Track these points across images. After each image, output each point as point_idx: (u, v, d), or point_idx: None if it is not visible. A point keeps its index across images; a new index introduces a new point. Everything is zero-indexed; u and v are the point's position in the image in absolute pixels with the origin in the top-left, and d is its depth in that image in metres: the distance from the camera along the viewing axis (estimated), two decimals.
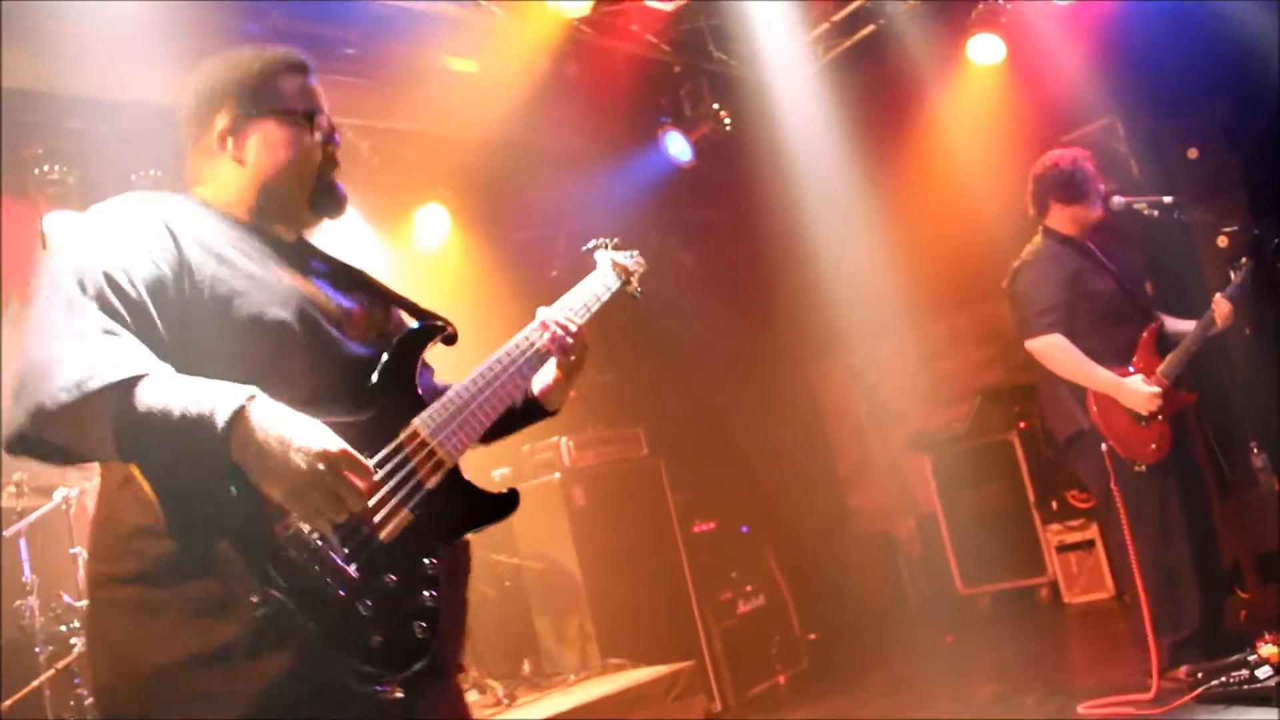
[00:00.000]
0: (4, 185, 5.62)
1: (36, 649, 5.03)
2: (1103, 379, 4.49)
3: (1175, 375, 4.58)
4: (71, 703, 4.83)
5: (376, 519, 1.71)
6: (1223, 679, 4.08)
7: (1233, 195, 6.36)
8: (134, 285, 1.66)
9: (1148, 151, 6.81)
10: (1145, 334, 4.69)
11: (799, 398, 9.32)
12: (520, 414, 2.26)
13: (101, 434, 1.56)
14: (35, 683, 4.95)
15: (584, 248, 2.57)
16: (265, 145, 1.97)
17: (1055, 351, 4.54)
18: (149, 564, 1.64)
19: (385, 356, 1.88)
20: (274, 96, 1.99)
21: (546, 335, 2.14)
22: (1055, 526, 7.21)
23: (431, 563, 1.75)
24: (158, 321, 1.67)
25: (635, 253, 2.62)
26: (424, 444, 1.83)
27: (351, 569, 1.64)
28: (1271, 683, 3.83)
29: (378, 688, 1.62)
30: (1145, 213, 4.74)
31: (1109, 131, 6.91)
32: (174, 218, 1.81)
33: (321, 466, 1.55)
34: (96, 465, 1.79)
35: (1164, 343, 4.71)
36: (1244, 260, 4.74)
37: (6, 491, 5.08)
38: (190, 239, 1.77)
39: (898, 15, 6.80)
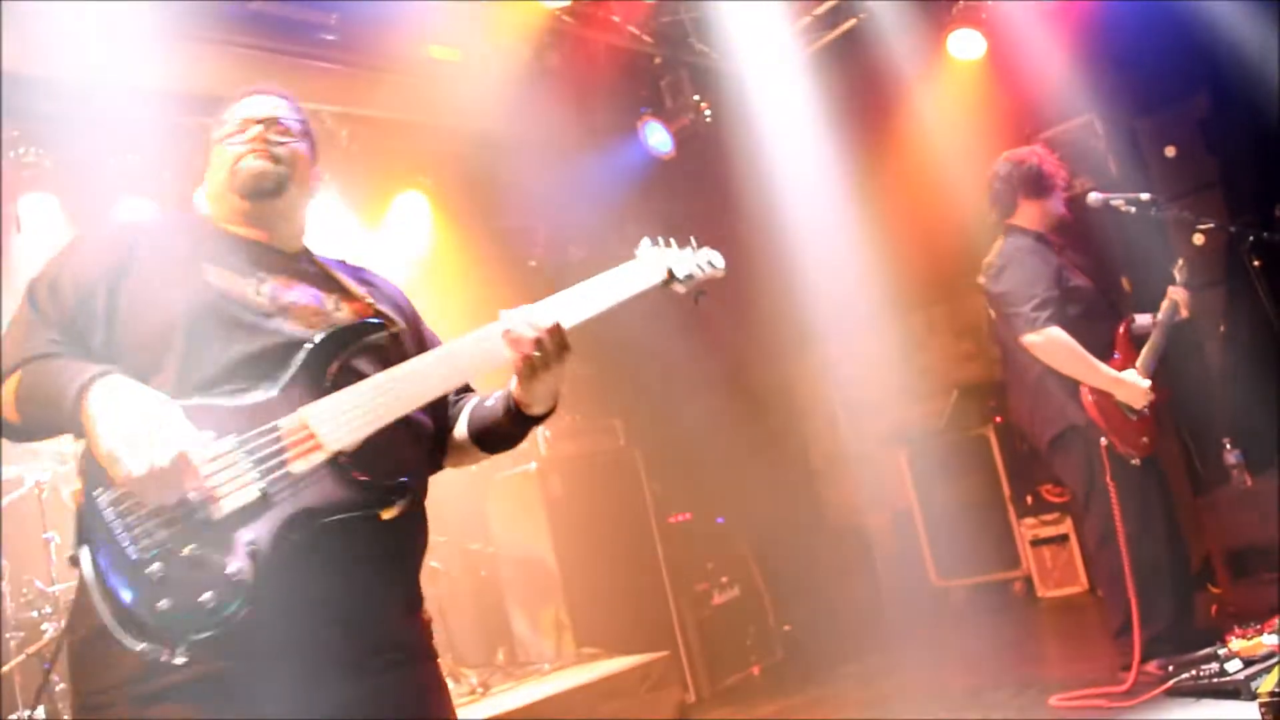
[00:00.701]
0: None
1: (7, 635, 5.00)
2: (1103, 373, 4.50)
3: (1154, 368, 4.64)
4: (41, 688, 4.80)
5: (219, 492, 1.81)
6: (1193, 672, 4.11)
7: (1210, 193, 6.42)
8: (73, 289, 2.00)
9: (1126, 149, 6.85)
10: (1121, 329, 4.74)
11: (775, 391, 9.31)
12: (504, 420, 2.23)
13: (7, 415, 1.96)
14: (6, 667, 4.93)
15: (641, 245, 2.43)
16: (213, 162, 2.23)
17: (1056, 346, 4.51)
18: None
19: (305, 348, 1.98)
20: (217, 128, 2.24)
21: (498, 341, 2.09)
22: (1030, 521, 7.27)
23: (255, 541, 1.80)
24: (84, 318, 1.98)
25: (710, 257, 2.53)
26: (304, 428, 1.89)
27: (152, 534, 1.78)
28: (1240, 676, 3.86)
29: (152, 651, 1.73)
30: (1122, 209, 4.75)
31: (1087, 129, 6.96)
32: (145, 236, 2.11)
33: (129, 437, 1.76)
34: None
35: (1136, 337, 4.77)
36: (1181, 262, 4.85)
37: None
38: (149, 252, 2.06)
39: (879, 10, 6.82)
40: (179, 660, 1.73)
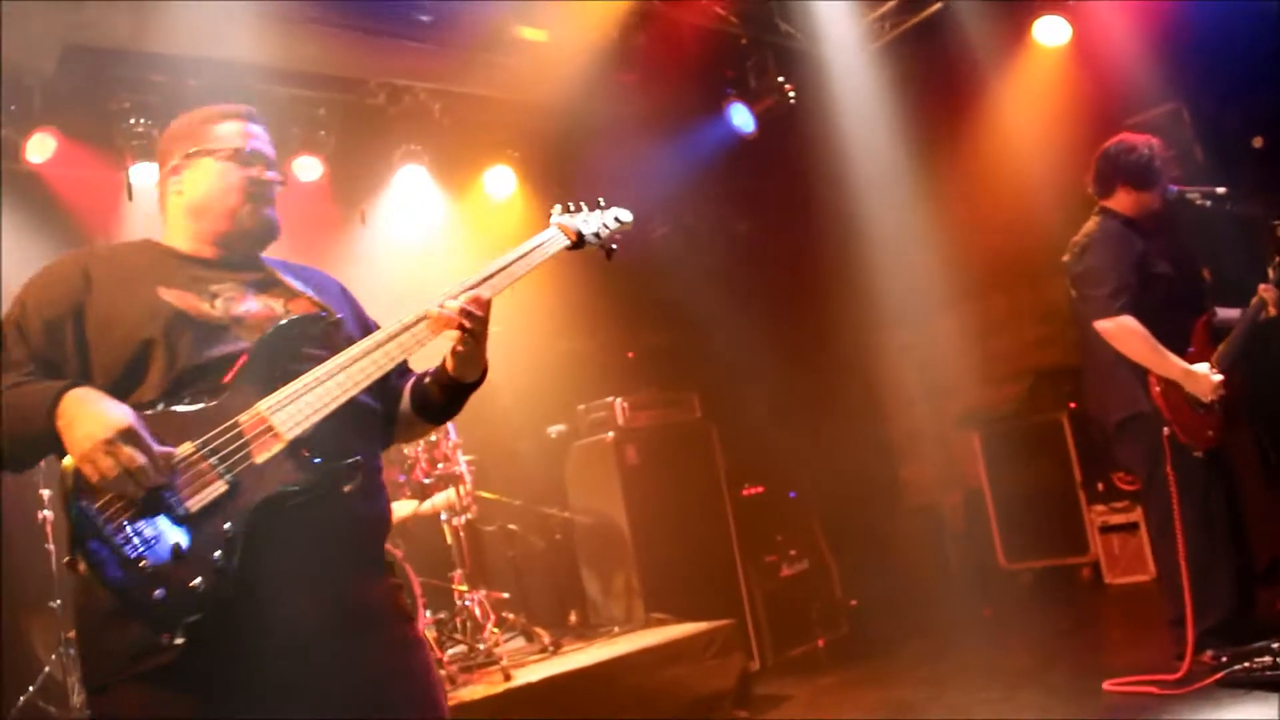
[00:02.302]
0: (93, 138, 5.88)
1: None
2: (1173, 364, 4.51)
3: (1229, 363, 4.64)
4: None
5: (187, 490, 2.01)
6: (1246, 664, 4.17)
7: None
8: (37, 327, 2.16)
9: (1212, 138, 6.77)
10: (1200, 322, 4.73)
11: (853, 369, 9.38)
12: (444, 390, 2.43)
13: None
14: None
15: (552, 213, 2.62)
16: (199, 178, 2.37)
17: (1127, 334, 4.52)
18: None
19: (252, 348, 2.17)
20: (208, 140, 2.38)
21: (423, 324, 2.27)
22: (1100, 508, 7.26)
23: (232, 528, 1.99)
24: (54, 351, 2.16)
25: (617, 213, 2.68)
26: (263, 420, 2.09)
27: (140, 532, 1.97)
28: None
29: (154, 635, 1.93)
30: (1198, 203, 4.77)
31: (1174, 117, 6.87)
32: (100, 263, 2.27)
33: (101, 438, 1.94)
34: None
35: (1216, 331, 4.77)
36: (1278, 259, 4.80)
37: None
38: (104, 280, 2.22)
39: None
40: (178, 640, 1.92)
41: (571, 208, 2.62)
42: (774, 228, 8.69)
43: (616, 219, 2.67)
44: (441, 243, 7.44)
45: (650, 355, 7.88)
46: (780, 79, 7.29)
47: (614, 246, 2.64)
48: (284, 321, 2.24)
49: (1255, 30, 6.00)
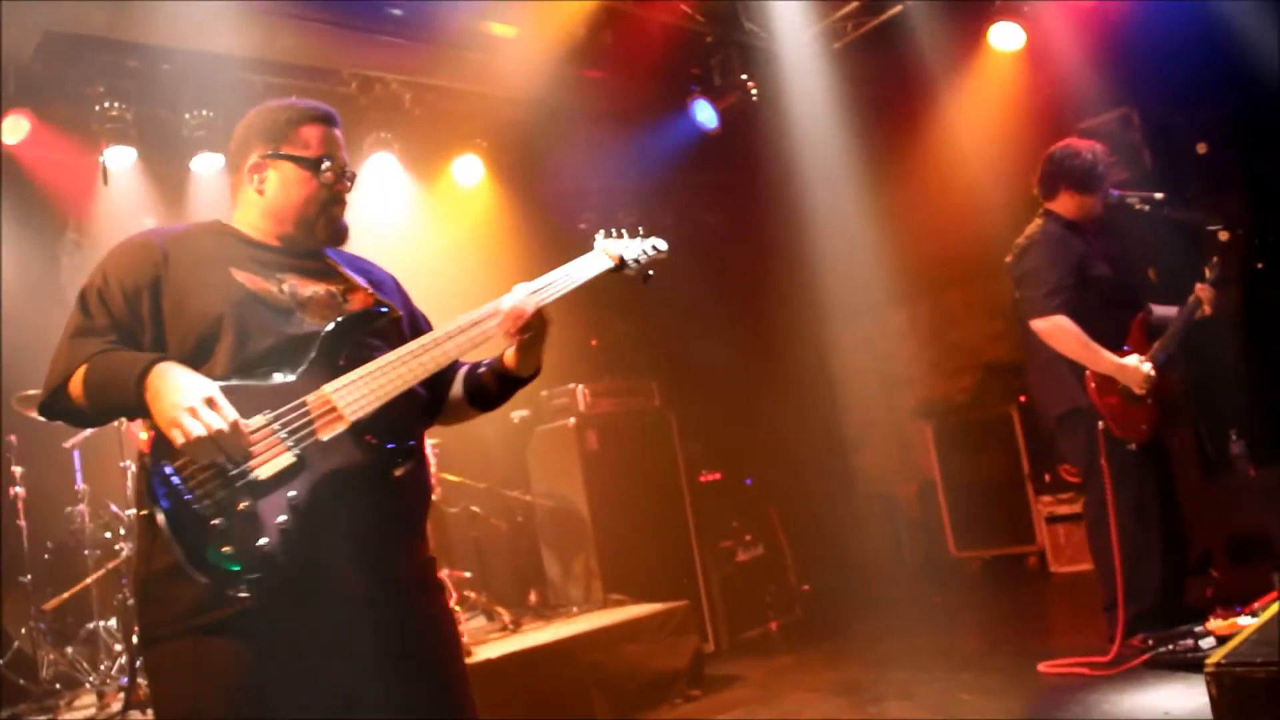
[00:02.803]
0: (68, 123, 5.95)
1: (86, 552, 5.45)
2: (1106, 360, 4.70)
3: (1164, 359, 4.83)
4: (115, 601, 5.24)
5: (260, 459, 2.15)
6: (1170, 647, 4.40)
7: (1238, 191, 6.51)
8: (117, 296, 2.31)
9: (1161, 143, 6.91)
10: (1136, 320, 4.93)
11: (811, 360, 9.54)
12: (499, 381, 2.65)
13: (78, 403, 2.26)
14: (85, 581, 5.38)
15: (594, 237, 2.83)
16: (280, 182, 2.50)
17: (1060, 332, 4.71)
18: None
19: (320, 337, 2.33)
20: (292, 143, 2.51)
21: (495, 320, 2.47)
22: (1046, 498, 7.47)
23: (296, 496, 2.14)
24: (131, 323, 2.31)
25: (653, 241, 2.90)
26: (327, 403, 2.24)
27: (216, 494, 2.11)
28: (1214, 652, 4.11)
29: (220, 587, 2.06)
30: (1137, 207, 4.95)
31: (1125, 121, 6.99)
32: (175, 242, 2.40)
33: (187, 404, 2.09)
34: None
35: (1152, 329, 4.97)
36: (1215, 260, 5.00)
37: None
38: (180, 258, 2.37)
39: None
40: (243, 595, 2.06)
41: (614, 233, 2.84)
42: (736, 221, 8.82)
43: (654, 247, 2.88)
44: (410, 228, 7.53)
45: (613, 343, 8.01)
46: (744, 77, 7.43)
47: (651, 273, 2.85)
48: (351, 314, 2.41)
49: (1205, 37, 6.15)
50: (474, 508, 6.67)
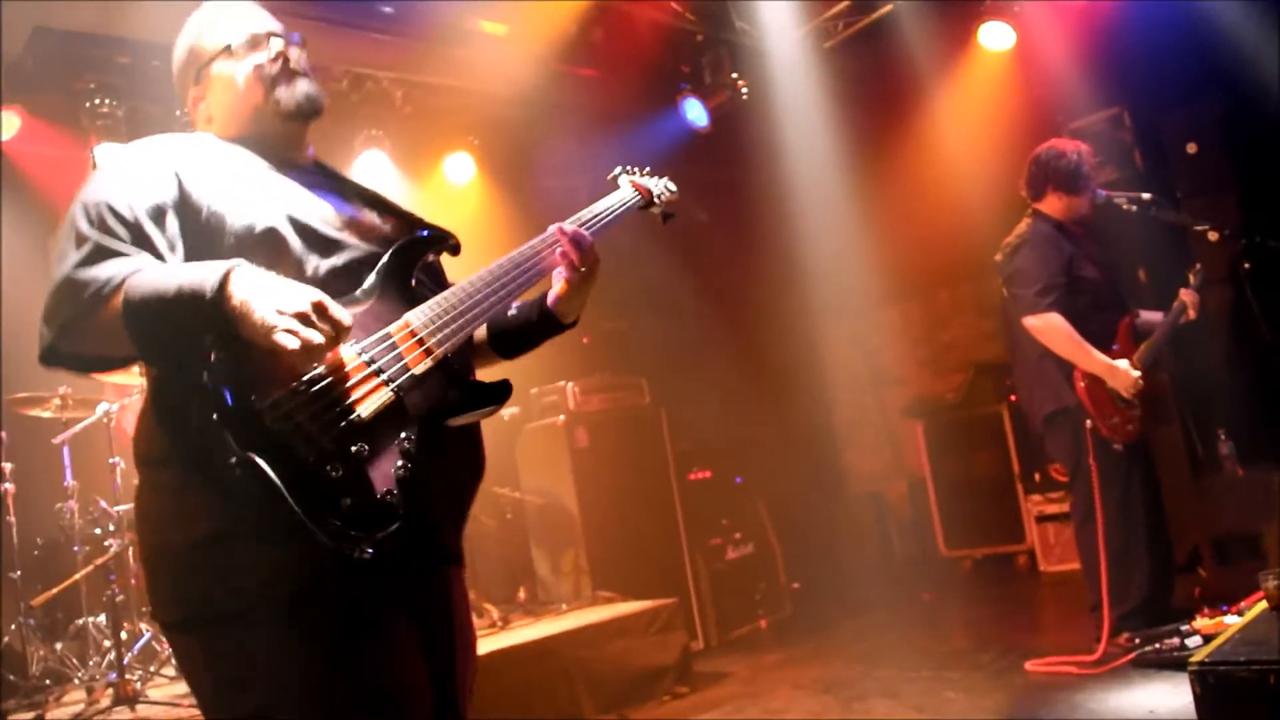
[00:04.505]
0: (59, 117, 5.94)
1: (75, 548, 5.45)
2: (1096, 359, 4.74)
3: (1150, 362, 4.87)
4: (104, 597, 5.24)
5: (358, 395, 1.81)
6: (1156, 646, 4.44)
7: (1227, 192, 6.54)
8: (133, 211, 1.87)
9: (1152, 143, 6.96)
10: (1124, 323, 4.97)
11: (801, 358, 9.55)
12: (536, 326, 2.37)
13: (114, 331, 1.76)
14: (74, 577, 5.38)
15: (609, 175, 2.65)
16: (222, 91, 2.18)
17: (1053, 330, 4.75)
18: (170, 448, 1.82)
19: (386, 256, 2.03)
20: (212, 45, 2.19)
21: (557, 250, 2.26)
22: (1036, 497, 7.49)
23: (408, 438, 1.84)
24: (155, 240, 1.88)
25: (666, 180, 2.73)
26: (414, 334, 1.93)
27: (323, 436, 1.75)
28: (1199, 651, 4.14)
29: (347, 546, 1.70)
30: (1125, 208, 4.98)
31: (1115, 121, 7.03)
32: (182, 154, 2.00)
33: (299, 309, 1.71)
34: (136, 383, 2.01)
35: (1139, 332, 5.00)
36: (1198, 265, 5.05)
37: (52, 404, 5.49)
38: (193, 171, 1.96)
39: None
40: (368, 553, 1.71)
41: (632, 170, 2.68)
42: (726, 220, 8.84)
43: (668, 187, 2.73)
44: None
45: (603, 340, 8.02)
46: (734, 75, 7.45)
47: (672, 214, 2.70)
48: (416, 236, 2.14)
49: (1195, 37, 6.18)
50: None
